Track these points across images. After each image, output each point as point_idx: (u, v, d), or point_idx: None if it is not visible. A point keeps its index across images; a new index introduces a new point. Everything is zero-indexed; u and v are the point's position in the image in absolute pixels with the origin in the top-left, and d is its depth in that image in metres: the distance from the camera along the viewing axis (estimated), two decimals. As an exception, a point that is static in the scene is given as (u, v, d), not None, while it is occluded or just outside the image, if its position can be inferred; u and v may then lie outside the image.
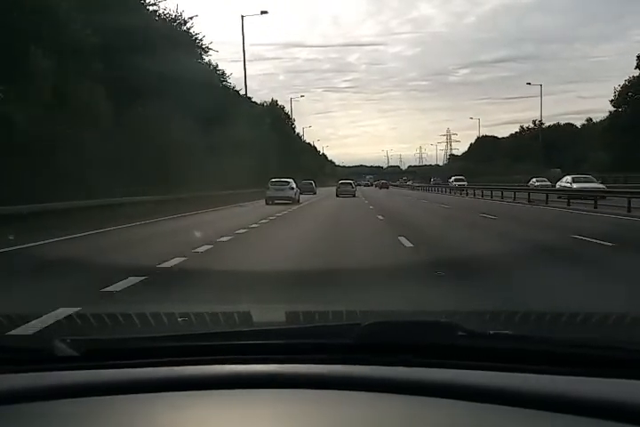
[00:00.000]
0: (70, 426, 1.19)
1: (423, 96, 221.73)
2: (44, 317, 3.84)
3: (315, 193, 46.19)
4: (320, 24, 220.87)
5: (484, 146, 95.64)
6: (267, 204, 28.49)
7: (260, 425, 1.16)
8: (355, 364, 1.34)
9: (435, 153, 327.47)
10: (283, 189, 30.07)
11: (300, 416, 1.20)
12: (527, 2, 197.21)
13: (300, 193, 41.71)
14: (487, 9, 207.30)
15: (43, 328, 2.88)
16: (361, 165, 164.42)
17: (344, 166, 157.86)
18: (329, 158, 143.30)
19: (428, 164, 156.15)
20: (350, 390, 1.24)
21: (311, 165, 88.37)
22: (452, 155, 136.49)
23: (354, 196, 41.25)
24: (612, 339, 1.56)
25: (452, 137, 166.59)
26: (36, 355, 1.41)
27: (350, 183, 46.04)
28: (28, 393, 1.25)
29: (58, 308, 4.43)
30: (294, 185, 31.29)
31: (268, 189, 30.18)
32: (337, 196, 41.18)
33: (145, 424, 1.20)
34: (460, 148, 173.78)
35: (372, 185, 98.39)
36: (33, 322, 3.07)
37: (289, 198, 29.49)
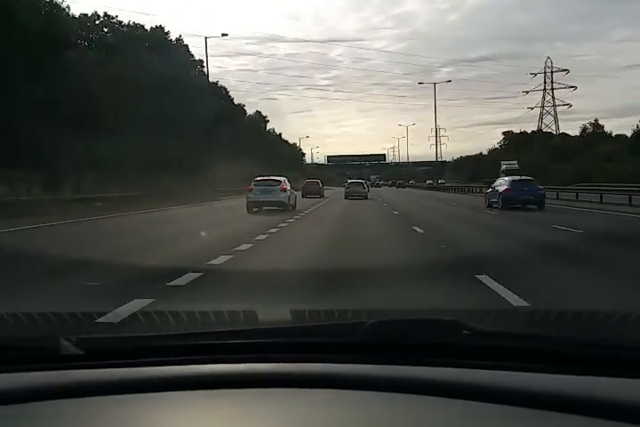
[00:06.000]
0: (75, 426, 1.18)
1: (405, 95, 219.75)
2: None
3: (322, 196, 38.93)
4: (300, 18, 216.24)
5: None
6: (248, 211, 21.44)
7: (264, 425, 1.16)
8: (359, 363, 1.34)
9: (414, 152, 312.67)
10: (271, 192, 22.24)
11: (303, 416, 1.20)
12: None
13: (304, 196, 35.88)
14: (471, 6, 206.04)
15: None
16: (342, 160, 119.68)
17: (317, 164, 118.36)
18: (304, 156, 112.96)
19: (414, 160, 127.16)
20: (354, 389, 1.24)
21: (283, 158, 72.04)
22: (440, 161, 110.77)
23: (366, 198, 35.17)
24: (618, 338, 1.56)
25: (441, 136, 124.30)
26: (41, 354, 1.41)
27: (362, 183, 40.16)
28: (32, 392, 1.25)
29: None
30: (288, 186, 23.54)
31: (251, 191, 22.53)
32: (345, 198, 35.16)
33: (150, 423, 1.19)
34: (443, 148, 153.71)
35: (380, 186, 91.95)
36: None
37: (280, 204, 22.25)
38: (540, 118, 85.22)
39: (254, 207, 21.93)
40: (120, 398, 1.24)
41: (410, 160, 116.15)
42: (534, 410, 1.15)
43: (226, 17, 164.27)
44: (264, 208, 21.96)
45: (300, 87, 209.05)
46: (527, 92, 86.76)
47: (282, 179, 23.72)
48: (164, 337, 1.50)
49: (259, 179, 23.62)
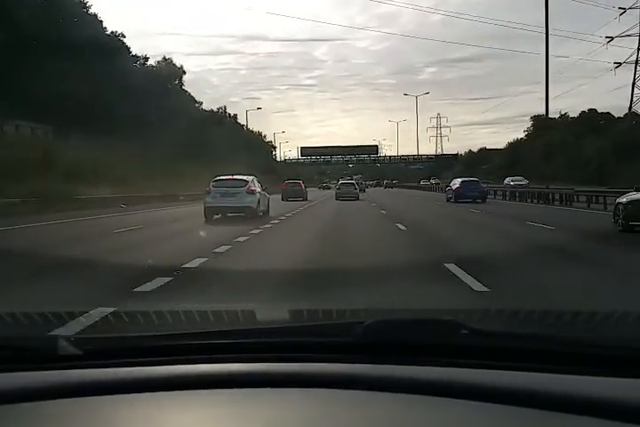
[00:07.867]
0: (73, 426, 1.18)
1: (388, 96, 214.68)
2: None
3: (305, 199, 34.47)
4: (284, 16, 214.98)
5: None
6: (206, 219, 17.30)
7: (262, 424, 1.15)
8: (357, 363, 1.34)
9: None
10: (235, 195, 17.73)
11: (301, 415, 1.19)
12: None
13: (284, 199, 32.52)
14: (455, 6, 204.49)
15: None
16: (320, 153, 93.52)
17: (289, 159, 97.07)
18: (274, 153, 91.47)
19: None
20: (353, 389, 1.24)
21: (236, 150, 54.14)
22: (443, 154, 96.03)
23: (357, 199, 33.89)
24: (618, 337, 1.57)
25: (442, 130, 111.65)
26: (39, 354, 1.40)
27: (353, 184, 39.56)
28: (29, 392, 1.24)
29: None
30: (258, 187, 18.88)
31: (209, 193, 18.04)
32: (336, 199, 34.24)
33: (149, 423, 1.19)
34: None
35: (367, 186, 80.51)
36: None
37: (247, 210, 17.64)
38: (634, 80, 57.95)
39: (214, 214, 17.67)
40: (118, 398, 1.23)
41: (401, 157, 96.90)
42: (534, 410, 1.14)
43: (209, 15, 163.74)
44: (228, 214, 17.82)
45: (284, 87, 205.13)
46: (612, 38, 58.25)
47: (249, 178, 19.02)
48: (162, 337, 1.49)
49: (219, 178, 18.86)
